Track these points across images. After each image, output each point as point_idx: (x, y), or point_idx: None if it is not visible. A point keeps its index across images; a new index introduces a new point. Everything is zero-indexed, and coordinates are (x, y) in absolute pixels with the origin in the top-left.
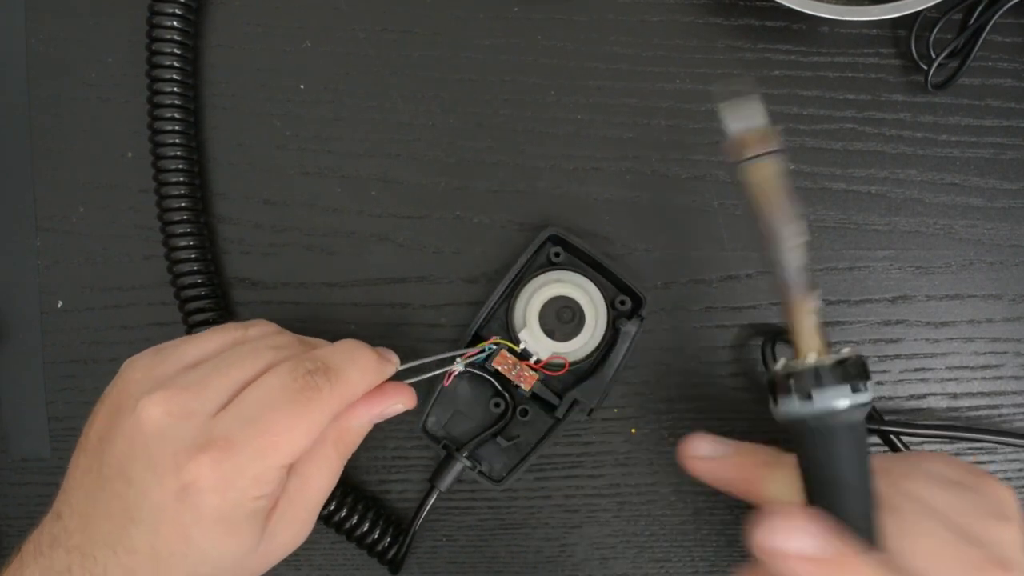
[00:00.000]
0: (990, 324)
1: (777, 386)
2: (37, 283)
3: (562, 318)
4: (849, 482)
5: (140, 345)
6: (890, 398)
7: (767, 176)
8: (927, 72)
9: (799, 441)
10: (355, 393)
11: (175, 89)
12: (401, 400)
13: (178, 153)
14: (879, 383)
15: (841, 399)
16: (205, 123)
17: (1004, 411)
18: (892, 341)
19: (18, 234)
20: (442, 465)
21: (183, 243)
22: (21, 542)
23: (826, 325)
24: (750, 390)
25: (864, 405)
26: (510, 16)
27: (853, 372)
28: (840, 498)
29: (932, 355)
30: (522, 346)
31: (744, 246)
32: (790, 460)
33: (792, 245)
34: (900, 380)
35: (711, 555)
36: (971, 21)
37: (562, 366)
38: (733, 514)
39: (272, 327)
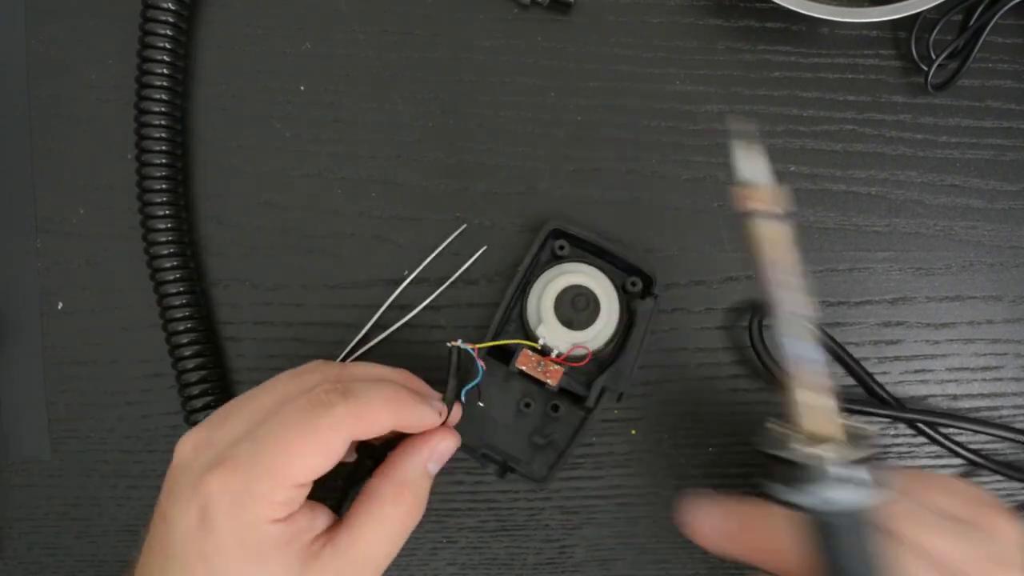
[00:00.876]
0: (990, 325)
1: (789, 475)
2: (37, 284)
3: (577, 306)
4: (859, 568)
5: (140, 346)
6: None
7: (772, 238)
8: (927, 73)
9: (810, 530)
10: (376, 417)
11: (163, 96)
12: (444, 438)
13: (163, 160)
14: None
15: (863, 495)
16: (205, 125)
17: (1004, 412)
18: (892, 342)
19: (18, 235)
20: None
21: (165, 252)
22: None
23: (826, 326)
24: (750, 390)
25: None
26: (510, 18)
27: (874, 468)
28: None
29: (932, 356)
30: (541, 342)
31: (744, 247)
32: (781, 517)
33: (793, 315)
34: (900, 381)
35: (711, 556)
36: (971, 22)
37: (584, 356)
38: None
39: (300, 368)
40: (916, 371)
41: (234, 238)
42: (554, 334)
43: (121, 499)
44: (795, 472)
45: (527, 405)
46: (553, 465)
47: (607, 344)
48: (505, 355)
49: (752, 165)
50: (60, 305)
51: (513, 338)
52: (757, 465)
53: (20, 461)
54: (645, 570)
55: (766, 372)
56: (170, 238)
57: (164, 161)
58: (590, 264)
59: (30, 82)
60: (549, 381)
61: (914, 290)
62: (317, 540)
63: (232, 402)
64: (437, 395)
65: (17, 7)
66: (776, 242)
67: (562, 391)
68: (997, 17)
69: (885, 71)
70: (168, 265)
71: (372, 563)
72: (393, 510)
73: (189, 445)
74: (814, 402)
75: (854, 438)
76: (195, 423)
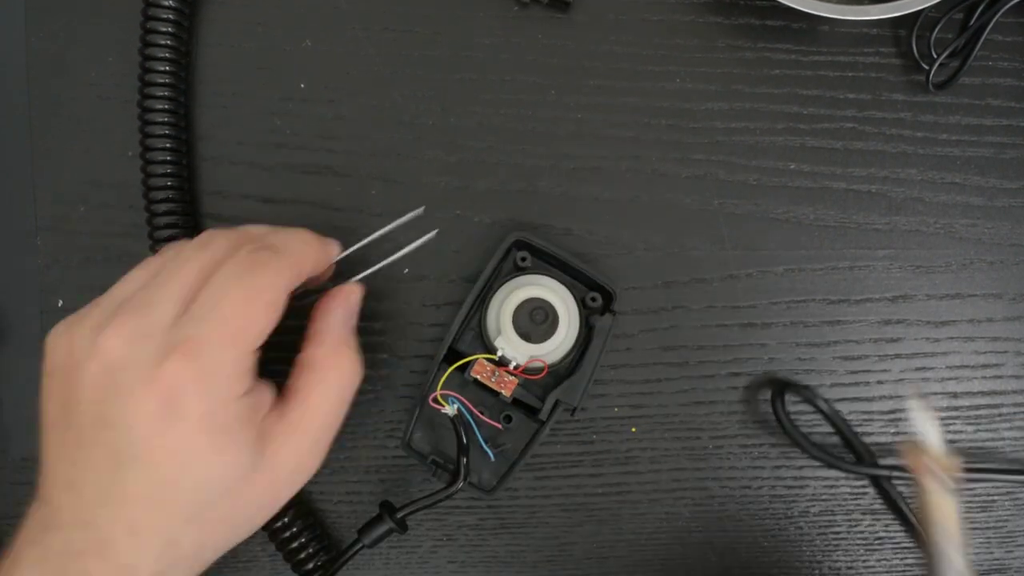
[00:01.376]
0: (990, 323)
1: None
2: (37, 283)
3: (536, 319)
4: None
5: None
6: (890, 397)
7: (944, 504)
8: (928, 72)
9: None
10: (302, 263)
11: (166, 93)
12: (353, 291)
13: (167, 158)
14: (879, 383)
15: None
16: (204, 121)
17: (1004, 410)
18: (892, 340)
19: (18, 234)
20: (373, 521)
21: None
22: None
23: (827, 324)
24: (749, 389)
25: None
26: (510, 15)
27: None
28: None
29: (932, 354)
30: (499, 353)
31: (744, 245)
32: None
33: None
34: (900, 379)
35: (712, 556)
36: (972, 21)
37: (541, 369)
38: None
39: (197, 240)
40: (916, 369)
41: None
42: (512, 346)
43: None
44: None
45: (481, 413)
46: (503, 476)
47: (564, 358)
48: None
49: (930, 430)
50: (60, 303)
51: (471, 346)
52: (756, 462)
53: (20, 459)
54: (644, 568)
55: (792, 440)
56: (175, 233)
57: (169, 158)
58: (552, 277)
59: (30, 81)
60: (503, 391)
61: (914, 288)
62: (270, 415)
63: (130, 287)
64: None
65: (17, 6)
66: (945, 510)
67: (516, 402)
68: (998, 16)
69: (885, 69)
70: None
71: (326, 431)
72: (336, 373)
73: (115, 342)
74: None
75: None
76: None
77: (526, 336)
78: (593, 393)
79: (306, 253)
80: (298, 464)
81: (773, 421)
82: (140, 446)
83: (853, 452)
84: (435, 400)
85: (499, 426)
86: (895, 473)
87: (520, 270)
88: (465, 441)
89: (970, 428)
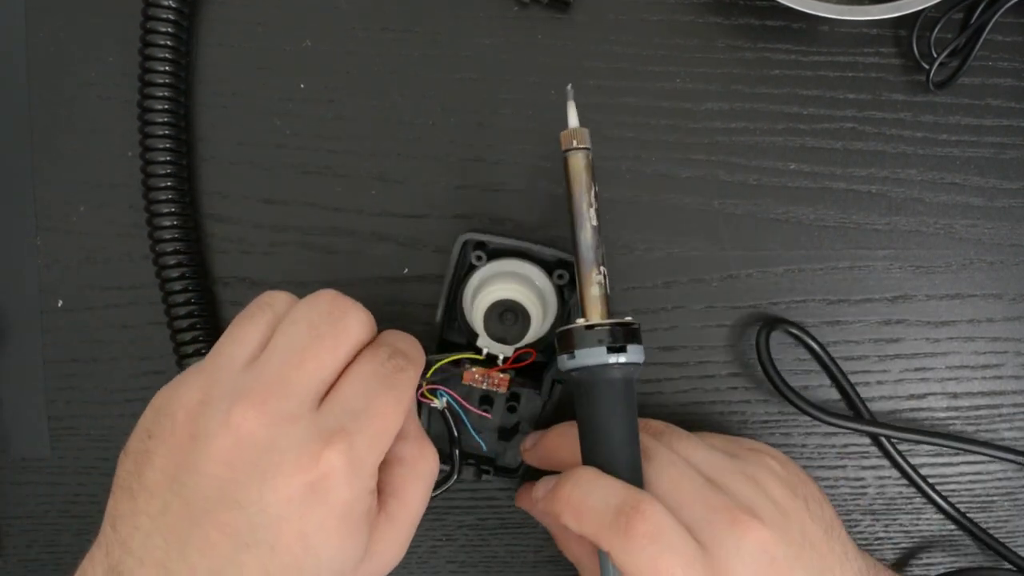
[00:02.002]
0: (990, 323)
1: (558, 344)
2: (37, 282)
3: (506, 322)
4: (612, 433)
5: (140, 344)
6: (890, 397)
7: (579, 167)
8: (928, 71)
9: (577, 396)
10: (421, 370)
11: (166, 93)
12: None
13: (167, 158)
14: (879, 383)
15: (596, 357)
16: (204, 122)
17: (1004, 411)
18: (892, 341)
19: (18, 233)
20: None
21: (170, 248)
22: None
23: (827, 324)
24: (749, 388)
25: (622, 365)
26: (510, 15)
27: (615, 335)
28: (605, 447)
29: (932, 355)
30: (485, 352)
31: (745, 245)
32: (563, 428)
33: (588, 225)
34: (900, 380)
35: None
36: (972, 20)
37: (529, 356)
38: None
39: (288, 298)
40: (916, 369)
41: (234, 235)
42: (493, 346)
43: None
44: (563, 341)
45: (485, 408)
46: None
47: (551, 331)
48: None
49: (572, 114)
50: (60, 303)
51: (461, 334)
52: None
53: (20, 459)
54: None
55: (773, 386)
56: (176, 235)
57: (169, 159)
58: (517, 260)
59: (30, 81)
60: (499, 390)
61: (914, 288)
62: (373, 509)
63: (245, 349)
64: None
65: (17, 7)
66: (581, 171)
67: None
68: (998, 15)
69: (885, 69)
70: (174, 262)
71: (416, 522)
72: (424, 465)
73: (256, 422)
74: (593, 292)
75: (620, 322)
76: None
77: (502, 340)
78: None
79: (423, 361)
80: (395, 555)
81: (773, 422)
82: (270, 528)
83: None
84: (423, 395)
85: (488, 416)
86: (887, 432)
87: (475, 268)
88: (457, 434)
89: (970, 428)
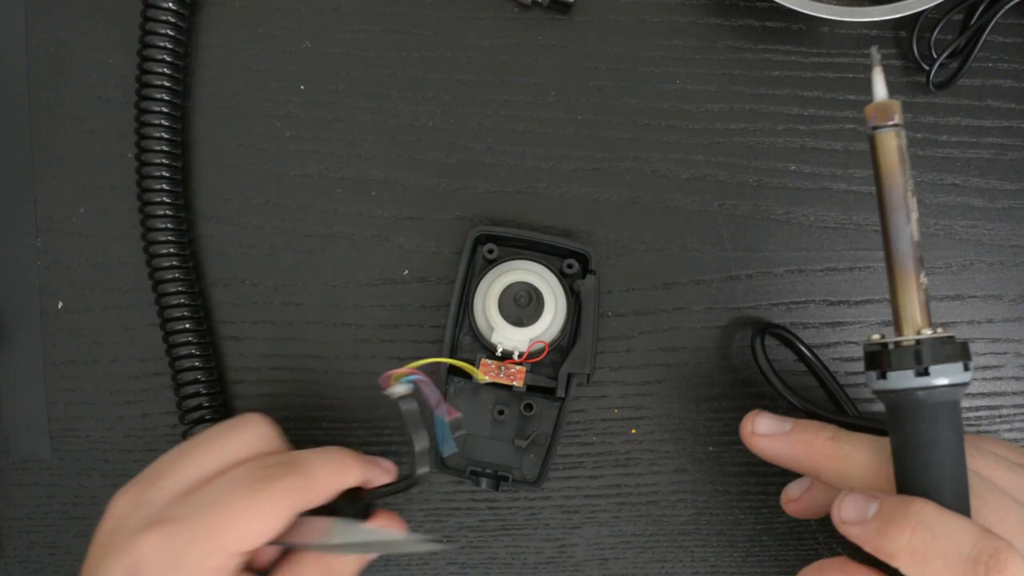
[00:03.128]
0: (990, 324)
1: (886, 359)
2: (37, 284)
3: (520, 303)
4: (949, 460)
5: (140, 346)
6: None
7: (893, 148)
8: (929, 72)
9: (903, 417)
10: (320, 488)
11: (163, 95)
12: (379, 468)
13: (163, 160)
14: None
15: (956, 375)
16: (204, 124)
17: (1004, 412)
18: None
19: (18, 234)
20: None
21: (165, 262)
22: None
23: (827, 325)
24: (749, 387)
25: (966, 385)
26: (510, 16)
27: (964, 351)
28: (939, 476)
29: None
30: (499, 349)
31: (745, 246)
32: (858, 438)
33: (906, 215)
34: None
35: (711, 555)
36: (972, 22)
37: (542, 350)
38: (733, 515)
39: (232, 423)
40: None
41: (234, 237)
42: (508, 337)
43: None
44: (911, 356)
45: (501, 412)
46: (543, 463)
47: (561, 332)
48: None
49: (880, 86)
50: (60, 305)
51: (470, 350)
52: (756, 464)
53: (20, 460)
54: (645, 569)
55: (773, 388)
56: (169, 238)
57: (164, 161)
58: (525, 259)
59: (30, 81)
60: (515, 383)
61: None
62: None
63: (166, 458)
64: (386, 460)
65: (17, 7)
66: (896, 152)
67: (531, 389)
68: (998, 16)
69: (886, 70)
70: (166, 265)
71: None
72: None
73: (122, 502)
74: (921, 297)
75: (937, 328)
76: (190, 424)
77: (517, 321)
78: (593, 395)
79: (330, 480)
80: None
81: None
82: None
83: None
84: (388, 382)
85: (457, 414)
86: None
87: (491, 263)
88: (420, 427)
89: (970, 430)
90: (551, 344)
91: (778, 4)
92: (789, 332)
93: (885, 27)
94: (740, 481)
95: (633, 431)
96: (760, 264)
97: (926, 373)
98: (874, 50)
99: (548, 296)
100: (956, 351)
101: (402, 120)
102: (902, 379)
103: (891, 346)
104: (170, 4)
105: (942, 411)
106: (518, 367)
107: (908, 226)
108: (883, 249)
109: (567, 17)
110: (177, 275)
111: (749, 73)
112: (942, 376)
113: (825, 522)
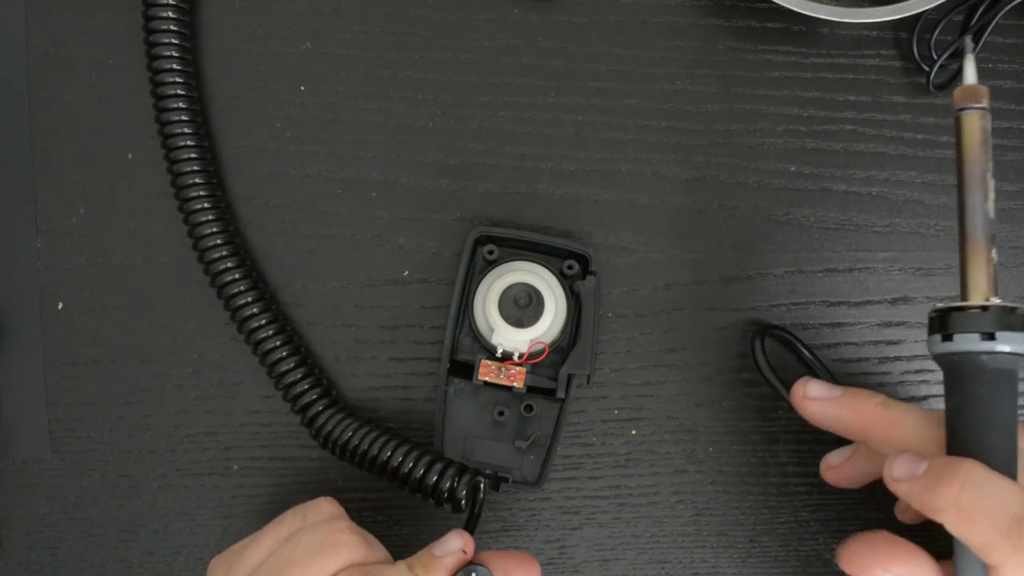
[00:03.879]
0: None
1: (953, 321)
2: (37, 284)
3: (520, 303)
4: (1003, 426)
5: (140, 346)
6: None
7: (977, 128)
8: (929, 73)
9: (964, 380)
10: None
11: (179, 91)
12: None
13: (192, 155)
14: (880, 385)
15: (1019, 344)
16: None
17: None
18: (892, 343)
19: (18, 235)
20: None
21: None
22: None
23: (827, 326)
24: (749, 388)
25: (1015, 354)
26: (510, 17)
27: (1011, 321)
28: (992, 441)
29: None
30: (500, 350)
31: (744, 247)
32: (907, 405)
33: (982, 193)
34: (901, 382)
35: (711, 556)
36: (972, 22)
37: (542, 351)
38: (733, 515)
39: (330, 512)
40: (916, 371)
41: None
42: (508, 338)
43: (121, 499)
44: (979, 322)
45: (501, 413)
46: (543, 464)
47: (561, 333)
48: (467, 370)
49: (971, 70)
50: (60, 305)
51: (470, 351)
52: (756, 464)
53: (20, 461)
54: (645, 570)
55: (773, 389)
56: (221, 241)
57: (196, 154)
58: (525, 260)
59: (30, 81)
60: (515, 384)
61: (914, 290)
62: None
63: (257, 533)
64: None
65: (17, 7)
66: (980, 133)
67: (531, 389)
68: (998, 17)
69: (886, 71)
70: (226, 267)
71: None
72: None
73: (217, 571)
74: (991, 270)
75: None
76: (309, 415)
77: (518, 322)
78: (593, 396)
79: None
80: None
81: (773, 423)
82: None
83: None
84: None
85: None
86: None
87: (491, 264)
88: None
89: None
90: (551, 345)
91: (778, 5)
92: (789, 333)
93: (885, 28)
94: (740, 482)
95: (633, 432)
96: (760, 265)
97: (992, 338)
98: (967, 39)
99: (548, 297)
100: (1020, 322)
101: (402, 121)
102: (967, 342)
103: (960, 310)
104: (170, 4)
105: (1002, 378)
106: (518, 368)
107: (985, 204)
108: (957, 222)
109: (567, 18)
110: (237, 275)
111: (749, 74)
112: (1007, 343)
113: (825, 522)
